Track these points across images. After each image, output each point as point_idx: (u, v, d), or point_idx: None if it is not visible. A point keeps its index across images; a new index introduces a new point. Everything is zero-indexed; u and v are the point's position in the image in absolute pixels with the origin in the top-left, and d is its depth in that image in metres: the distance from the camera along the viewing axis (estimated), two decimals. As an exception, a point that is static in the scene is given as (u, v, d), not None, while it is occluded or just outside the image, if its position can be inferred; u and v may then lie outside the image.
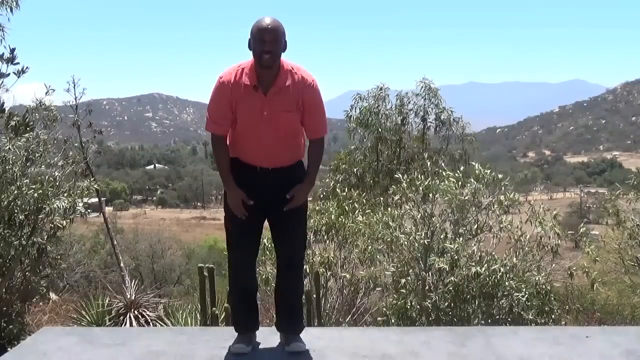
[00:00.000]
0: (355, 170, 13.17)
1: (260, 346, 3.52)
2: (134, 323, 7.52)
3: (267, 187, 3.29)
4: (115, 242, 11.65)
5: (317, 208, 8.32)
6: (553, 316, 6.28)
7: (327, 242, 7.60)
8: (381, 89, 13.56)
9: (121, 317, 7.67)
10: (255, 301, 3.55)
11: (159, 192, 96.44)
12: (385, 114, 13.43)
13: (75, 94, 10.85)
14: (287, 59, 3.27)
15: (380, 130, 13.16)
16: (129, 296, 8.03)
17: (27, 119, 6.73)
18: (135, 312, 7.70)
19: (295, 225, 3.39)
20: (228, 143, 3.34)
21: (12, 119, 6.53)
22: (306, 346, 3.43)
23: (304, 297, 4.06)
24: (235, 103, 3.20)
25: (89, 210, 7.73)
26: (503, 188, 6.72)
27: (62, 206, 6.74)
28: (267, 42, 3.08)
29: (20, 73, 6.28)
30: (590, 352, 3.45)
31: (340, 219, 7.57)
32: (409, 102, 13.64)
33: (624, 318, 9.35)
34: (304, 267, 3.59)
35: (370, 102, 13.44)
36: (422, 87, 13.49)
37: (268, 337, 3.62)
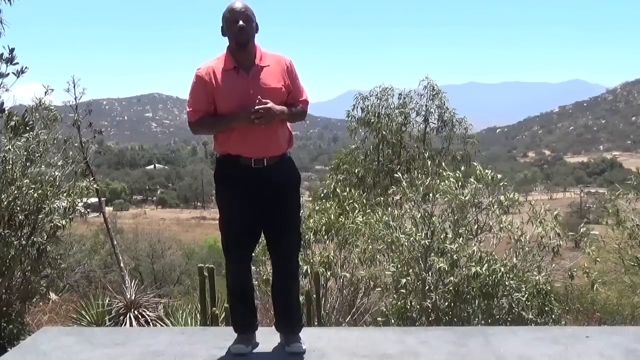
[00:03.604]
0: (356, 170, 13.17)
1: (260, 346, 3.52)
2: (134, 323, 7.52)
3: (260, 186, 3.28)
4: (115, 242, 11.65)
5: (317, 208, 8.31)
6: (553, 316, 6.28)
7: (327, 242, 7.59)
8: (385, 89, 13.54)
9: (121, 317, 7.67)
10: (253, 301, 3.55)
11: (159, 192, 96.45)
12: (387, 114, 13.42)
13: (75, 94, 10.87)
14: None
15: (382, 131, 13.15)
16: (129, 296, 8.03)
17: (27, 119, 6.73)
18: (135, 312, 7.70)
19: (289, 226, 3.38)
20: (216, 142, 3.36)
21: (12, 119, 6.52)
22: (306, 346, 3.43)
23: (302, 297, 4.07)
24: (217, 91, 3.23)
25: (88, 210, 7.72)
26: (502, 188, 6.72)
27: (62, 206, 6.75)
28: (240, 20, 3.19)
29: (19, 73, 6.25)
30: (590, 352, 3.45)
31: (340, 219, 7.57)
32: (411, 102, 13.64)
33: (624, 318, 9.35)
34: (301, 267, 3.59)
35: (374, 102, 13.43)
36: (425, 86, 13.48)
37: (268, 337, 3.62)
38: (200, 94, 3.28)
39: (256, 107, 3.14)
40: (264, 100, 3.17)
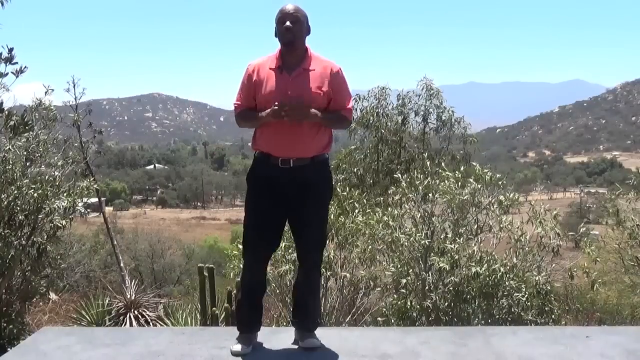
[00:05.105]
0: (355, 170, 13.17)
1: (260, 346, 3.52)
2: (134, 323, 7.53)
3: (284, 186, 3.31)
4: (115, 242, 11.66)
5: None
6: (553, 316, 6.28)
7: (327, 242, 7.58)
8: (383, 89, 13.55)
9: (121, 317, 7.68)
10: (260, 302, 3.57)
11: (159, 192, 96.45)
12: (386, 114, 13.42)
13: (75, 94, 10.91)
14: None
15: (381, 130, 13.15)
16: (129, 296, 8.04)
17: (26, 119, 6.73)
18: (135, 312, 7.71)
19: (309, 227, 3.40)
20: (253, 139, 3.44)
21: (11, 119, 6.52)
22: (320, 343, 3.46)
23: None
24: (258, 87, 3.32)
25: (88, 210, 7.72)
26: (502, 188, 6.72)
27: (62, 206, 6.75)
28: (288, 21, 3.27)
29: (18, 73, 6.24)
30: (590, 352, 3.45)
31: (340, 219, 7.57)
32: (410, 102, 13.63)
33: (624, 318, 9.35)
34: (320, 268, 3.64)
35: (372, 102, 13.43)
36: (422, 86, 13.48)
37: (268, 337, 3.62)
38: (244, 89, 3.41)
39: (288, 101, 3.18)
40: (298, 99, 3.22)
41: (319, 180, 3.39)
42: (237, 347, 3.42)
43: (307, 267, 3.48)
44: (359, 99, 13.50)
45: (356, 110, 13.45)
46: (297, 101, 3.21)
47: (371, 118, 13.21)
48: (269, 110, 3.23)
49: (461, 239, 6.34)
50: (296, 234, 3.47)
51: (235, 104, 3.45)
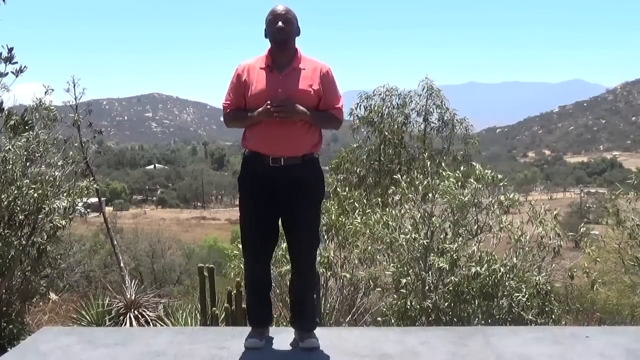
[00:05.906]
0: (357, 170, 13.16)
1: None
2: (134, 323, 7.52)
3: (275, 185, 3.31)
4: (115, 242, 11.65)
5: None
6: (553, 316, 6.28)
7: (327, 242, 7.59)
8: (389, 89, 13.54)
9: (121, 317, 7.68)
10: (267, 296, 3.59)
11: (159, 192, 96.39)
12: (391, 114, 13.42)
13: (75, 94, 10.90)
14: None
15: (384, 132, 13.14)
16: (129, 296, 8.04)
17: (26, 119, 6.73)
18: (135, 312, 7.70)
19: (307, 227, 3.41)
20: (243, 138, 3.46)
21: (11, 119, 6.53)
22: (319, 343, 3.46)
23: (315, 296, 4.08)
24: (248, 86, 3.34)
25: (88, 210, 7.72)
26: (502, 188, 6.72)
27: (62, 206, 6.75)
28: (280, 22, 3.31)
29: (18, 72, 6.26)
30: (590, 352, 3.45)
31: (340, 219, 7.57)
32: (411, 102, 13.63)
33: (624, 318, 9.34)
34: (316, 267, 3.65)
35: (377, 102, 13.43)
36: (424, 87, 13.48)
37: (270, 335, 3.62)
38: (234, 89, 3.43)
39: (277, 99, 3.21)
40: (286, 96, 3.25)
41: (311, 179, 3.40)
42: (250, 342, 3.45)
43: (302, 267, 3.48)
44: (365, 98, 13.50)
45: (360, 107, 13.43)
46: (286, 97, 3.24)
47: (375, 117, 13.22)
48: (260, 109, 3.25)
49: (461, 239, 6.34)
50: (289, 234, 3.46)
51: (224, 103, 3.47)
